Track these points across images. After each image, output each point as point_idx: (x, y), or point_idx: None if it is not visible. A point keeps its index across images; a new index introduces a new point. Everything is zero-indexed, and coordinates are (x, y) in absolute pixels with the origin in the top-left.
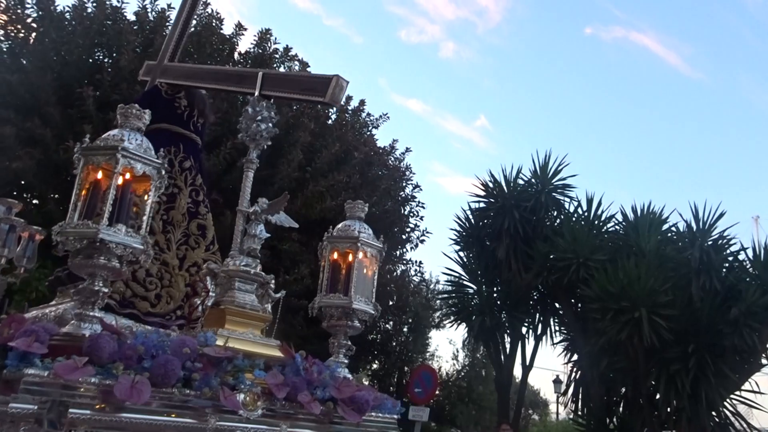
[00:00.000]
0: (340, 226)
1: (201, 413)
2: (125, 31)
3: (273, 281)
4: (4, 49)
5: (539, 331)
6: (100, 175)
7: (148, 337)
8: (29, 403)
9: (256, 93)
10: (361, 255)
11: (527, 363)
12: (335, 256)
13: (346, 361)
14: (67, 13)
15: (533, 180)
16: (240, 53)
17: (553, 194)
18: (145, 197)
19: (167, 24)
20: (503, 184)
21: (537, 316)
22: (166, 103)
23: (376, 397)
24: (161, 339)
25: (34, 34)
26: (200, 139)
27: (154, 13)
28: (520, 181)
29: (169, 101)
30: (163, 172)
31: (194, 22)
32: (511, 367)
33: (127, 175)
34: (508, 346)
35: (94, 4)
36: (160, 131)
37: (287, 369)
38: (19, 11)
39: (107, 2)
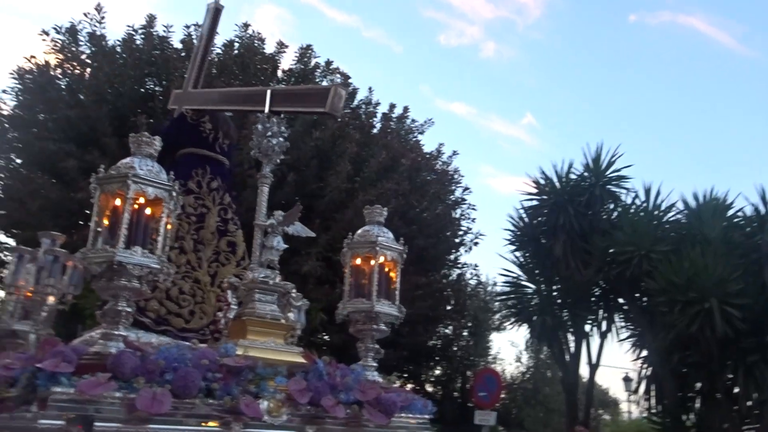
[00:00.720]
0: (359, 231)
1: (224, 421)
2: (173, 59)
3: (294, 290)
4: (63, 87)
5: (604, 328)
6: (118, 201)
7: (168, 351)
8: (57, 419)
9: (266, 110)
10: (382, 259)
11: (593, 362)
12: (358, 261)
13: (374, 364)
14: (118, 47)
15: (586, 174)
16: (283, 70)
17: (608, 187)
18: (162, 219)
19: (212, 48)
20: (555, 180)
21: (600, 312)
22: (191, 129)
23: (405, 398)
24: (181, 352)
25: (88, 70)
26: (227, 159)
27: (198, 39)
28: (573, 176)
29: (195, 126)
30: (174, 194)
31: (237, 45)
32: (576, 367)
33: (141, 200)
34: (572, 345)
35: (142, 36)
36: (188, 155)
37: (310, 374)
38: (74, 49)
39: (154, 33)
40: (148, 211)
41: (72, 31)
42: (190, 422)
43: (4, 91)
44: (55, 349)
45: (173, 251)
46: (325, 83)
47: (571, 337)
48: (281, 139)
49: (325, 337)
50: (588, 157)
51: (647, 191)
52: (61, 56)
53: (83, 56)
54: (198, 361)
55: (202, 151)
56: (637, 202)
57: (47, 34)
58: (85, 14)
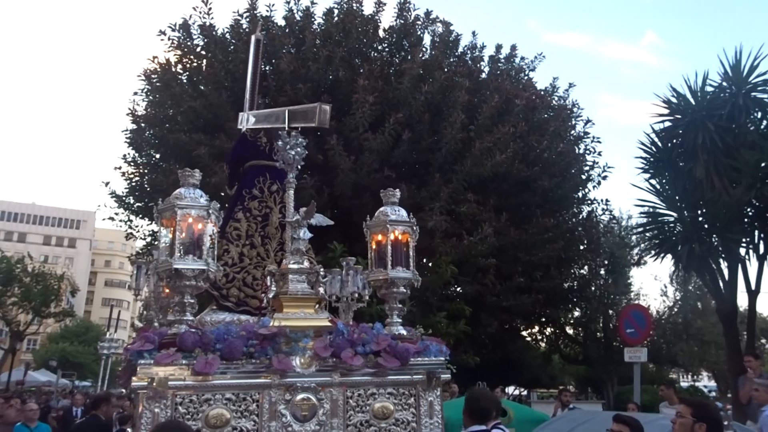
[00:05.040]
0: (376, 213)
1: (267, 374)
2: (278, 37)
3: (321, 270)
4: (185, 80)
5: (762, 251)
6: (174, 224)
7: (218, 328)
8: (144, 382)
9: (287, 126)
10: (397, 233)
11: (752, 288)
12: (379, 237)
13: (399, 320)
14: (227, 34)
15: (725, 84)
16: (384, 29)
17: (753, 94)
18: (212, 230)
19: (313, 20)
20: (689, 96)
21: (756, 233)
22: (251, 145)
23: (421, 345)
24: (227, 328)
25: (204, 61)
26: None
27: (300, 12)
28: (709, 89)
29: (253, 142)
30: (211, 212)
31: (336, 12)
32: (733, 295)
33: (190, 220)
34: (725, 271)
35: (248, 20)
36: (251, 167)
37: (333, 334)
38: (189, 43)
39: (258, 14)
40: (200, 226)
41: (185, 26)
42: (240, 377)
43: (135, 93)
44: (142, 334)
45: (245, 247)
46: (426, 35)
47: (723, 264)
48: (299, 149)
49: (458, 289)
50: (726, 64)
51: None
52: (179, 52)
53: (198, 49)
54: (239, 333)
55: (261, 162)
56: None
57: (164, 33)
58: (194, 8)
